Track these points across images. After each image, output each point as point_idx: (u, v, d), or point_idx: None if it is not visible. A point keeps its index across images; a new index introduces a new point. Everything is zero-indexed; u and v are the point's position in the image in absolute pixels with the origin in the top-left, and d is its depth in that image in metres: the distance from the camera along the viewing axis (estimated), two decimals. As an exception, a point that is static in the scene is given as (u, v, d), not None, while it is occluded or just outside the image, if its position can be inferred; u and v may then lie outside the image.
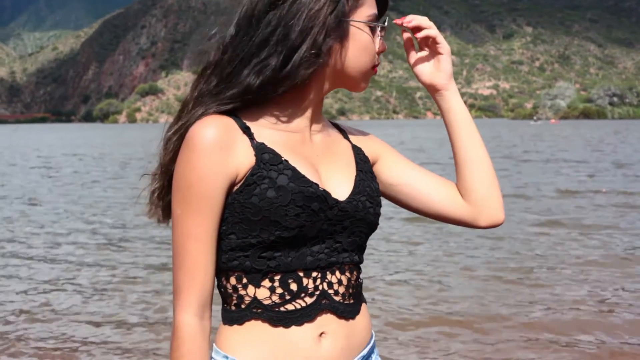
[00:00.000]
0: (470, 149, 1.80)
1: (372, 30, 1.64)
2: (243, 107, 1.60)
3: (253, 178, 1.51)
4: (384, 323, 6.93)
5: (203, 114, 1.55)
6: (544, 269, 9.22)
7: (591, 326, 6.82)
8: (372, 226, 1.69)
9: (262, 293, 1.56)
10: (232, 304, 1.59)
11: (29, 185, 22.70)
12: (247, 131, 1.57)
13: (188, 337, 1.50)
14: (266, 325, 1.56)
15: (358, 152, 1.77)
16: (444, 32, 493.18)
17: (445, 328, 6.82)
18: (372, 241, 10.69)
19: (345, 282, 1.63)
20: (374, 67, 1.68)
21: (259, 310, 1.56)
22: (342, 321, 1.63)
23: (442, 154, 33.36)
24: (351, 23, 1.59)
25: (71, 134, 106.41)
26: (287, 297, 1.56)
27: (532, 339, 6.46)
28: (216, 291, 1.61)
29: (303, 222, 1.52)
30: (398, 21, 1.73)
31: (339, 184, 1.64)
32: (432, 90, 1.82)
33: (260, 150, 1.55)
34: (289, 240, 1.53)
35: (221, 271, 1.59)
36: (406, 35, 1.79)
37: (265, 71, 1.54)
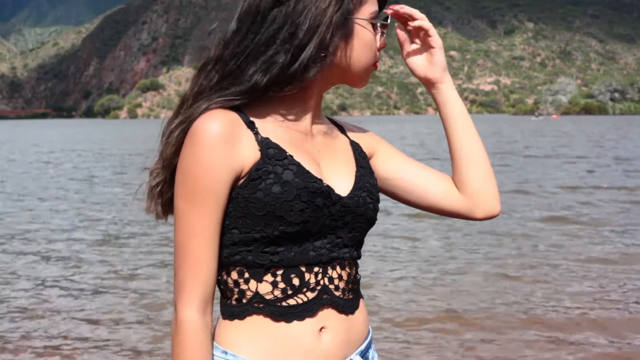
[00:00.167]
0: (466, 142, 1.81)
1: (374, 26, 1.65)
2: (247, 104, 1.60)
3: (258, 173, 1.51)
4: (384, 319, 6.89)
5: (207, 109, 1.54)
6: (546, 265, 9.17)
7: (593, 324, 6.76)
8: (372, 222, 1.70)
9: (264, 288, 1.56)
10: (233, 298, 1.58)
11: (28, 181, 22.66)
12: (251, 126, 1.57)
13: (191, 332, 1.49)
14: (268, 320, 1.56)
15: (356, 148, 1.78)
16: (445, 28, 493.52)
17: (446, 325, 6.77)
18: (373, 237, 10.63)
19: (345, 277, 1.64)
20: (374, 64, 1.69)
21: (260, 305, 1.56)
22: (342, 316, 1.64)
23: (443, 150, 33.28)
24: (355, 21, 1.60)
25: (72, 130, 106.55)
26: (289, 292, 1.56)
27: (534, 336, 6.42)
28: None
29: (307, 218, 1.52)
30: (389, 11, 1.74)
31: (341, 180, 1.65)
32: (428, 84, 1.83)
33: (265, 145, 1.54)
34: (293, 235, 1.53)
35: (222, 266, 1.58)
36: (400, 32, 1.81)
37: (273, 69, 1.54)
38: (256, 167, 1.52)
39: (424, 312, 7.20)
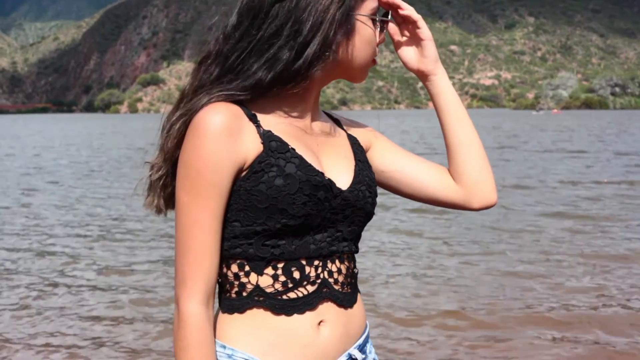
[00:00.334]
0: (461, 132, 1.82)
1: (374, 22, 1.66)
2: (250, 99, 1.60)
3: (261, 165, 1.51)
4: (383, 315, 6.88)
5: (208, 102, 1.54)
6: (547, 261, 9.15)
7: (596, 321, 6.74)
8: (370, 215, 1.71)
9: (265, 281, 1.56)
10: (233, 291, 1.58)
11: (26, 176, 22.64)
12: (253, 119, 1.57)
13: (195, 326, 1.48)
14: (268, 314, 1.56)
15: (354, 142, 1.79)
16: (446, 22, 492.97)
17: (447, 321, 6.76)
18: (375, 232, 10.60)
19: (344, 271, 1.65)
20: (374, 59, 1.71)
21: (261, 299, 1.56)
22: (341, 310, 1.64)
23: (443, 144, 33.13)
24: (357, 17, 1.61)
25: (72, 124, 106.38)
26: (290, 285, 1.56)
27: (535, 333, 6.39)
28: None
29: (309, 211, 1.53)
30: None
31: (341, 174, 1.66)
32: (421, 76, 1.85)
33: (268, 137, 1.55)
34: (295, 228, 1.53)
35: (222, 259, 1.58)
36: (391, 25, 1.79)
37: (277, 66, 1.55)
38: (259, 160, 1.52)
39: (424, 308, 7.18)
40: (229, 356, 1.56)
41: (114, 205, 15.12)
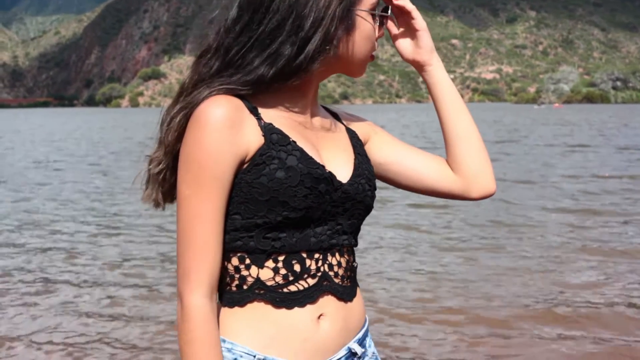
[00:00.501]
0: (458, 121, 1.83)
1: (373, 17, 1.66)
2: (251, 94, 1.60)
3: (262, 158, 1.51)
4: (383, 311, 6.85)
5: (209, 95, 1.54)
6: (548, 256, 9.11)
7: (597, 318, 6.70)
8: (369, 209, 1.72)
9: (265, 274, 1.55)
10: (233, 285, 1.58)
11: (26, 170, 22.58)
12: (254, 111, 1.57)
13: (199, 319, 1.48)
14: (268, 307, 1.56)
15: (353, 135, 1.80)
16: (447, 16, 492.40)
17: (448, 316, 6.73)
18: (375, 227, 10.56)
19: (344, 264, 1.65)
20: (372, 54, 1.71)
21: (261, 292, 1.55)
22: (341, 303, 1.64)
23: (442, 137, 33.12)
24: (357, 12, 1.61)
25: (73, 118, 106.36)
26: (291, 278, 1.56)
27: (537, 329, 6.37)
28: None
29: (310, 204, 1.53)
30: None
31: (340, 167, 1.66)
32: (417, 67, 1.86)
33: (269, 130, 1.55)
34: (295, 221, 1.53)
35: (222, 252, 1.57)
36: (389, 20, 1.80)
37: (279, 62, 1.55)
38: (260, 152, 1.52)
39: (424, 304, 7.15)
40: (229, 350, 1.55)
41: (114, 200, 15.09)
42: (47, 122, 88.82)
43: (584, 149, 27.60)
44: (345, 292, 1.65)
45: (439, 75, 1.84)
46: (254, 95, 1.60)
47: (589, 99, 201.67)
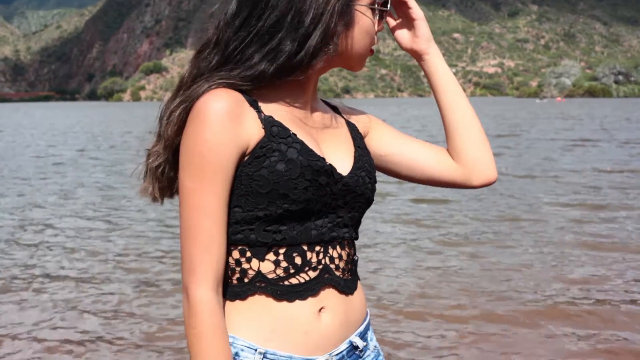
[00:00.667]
0: (457, 110, 1.84)
1: (373, 11, 1.66)
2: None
3: (262, 150, 1.51)
4: (385, 306, 6.82)
5: (209, 89, 1.53)
6: (552, 251, 9.07)
7: (599, 316, 6.67)
8: (370, 201, 1.72)
9: (267, 267, 1.55)
10: (234, 278, 1.57)
11: (25, 164, 22.57)
12: (254, 105, 1.57)
13: (207, 312, 1.47)
14: (270, 300, 1.55)
15: (353, 128, 1.80)
16: (449, 10, 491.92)
17: (450, 312, 6.71)
18: (377, 222, 10.53)
19: (345, 257, 1.65)
20: (371, 49, 1.72)
21: (262, 285, 1.55)
22: (342, 296, 1.64)
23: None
24: (356, 7, 1.61)
25: (74, 112, 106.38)
26: (292, 271, 1.55)
27: (540, 327, 6.35)
28: None
29: (311, 196, 1.53)
30: None
31: (341, 160, 1.67)
32: (416, 56, 1.87)
33: (269, 123, 1.55)
34: (296, 213, 1.53)
35: None
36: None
37: (279, 58, 1.55)
38: (260, 145, 1.52)
39: (426, 299, 7.12)
40: (230, 344, 1.53)
41: (114, 194, 15.05)
42: (48, 116, 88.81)
43: (586, 143, 27.55)
44: (347, 285, 1.65)
45: (437, 64, 1.84)
46: (254, 90, 1.59)
47: (591, 93, 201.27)
